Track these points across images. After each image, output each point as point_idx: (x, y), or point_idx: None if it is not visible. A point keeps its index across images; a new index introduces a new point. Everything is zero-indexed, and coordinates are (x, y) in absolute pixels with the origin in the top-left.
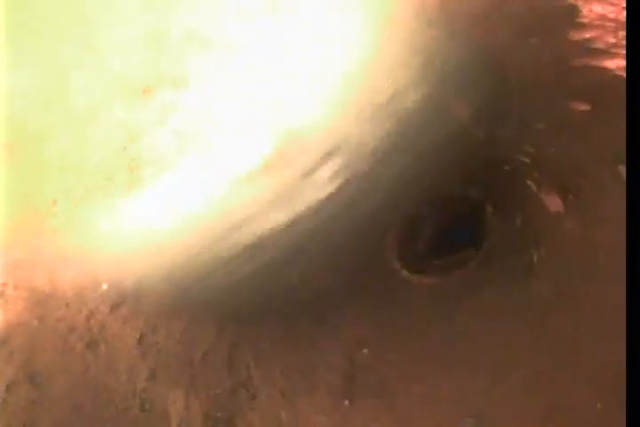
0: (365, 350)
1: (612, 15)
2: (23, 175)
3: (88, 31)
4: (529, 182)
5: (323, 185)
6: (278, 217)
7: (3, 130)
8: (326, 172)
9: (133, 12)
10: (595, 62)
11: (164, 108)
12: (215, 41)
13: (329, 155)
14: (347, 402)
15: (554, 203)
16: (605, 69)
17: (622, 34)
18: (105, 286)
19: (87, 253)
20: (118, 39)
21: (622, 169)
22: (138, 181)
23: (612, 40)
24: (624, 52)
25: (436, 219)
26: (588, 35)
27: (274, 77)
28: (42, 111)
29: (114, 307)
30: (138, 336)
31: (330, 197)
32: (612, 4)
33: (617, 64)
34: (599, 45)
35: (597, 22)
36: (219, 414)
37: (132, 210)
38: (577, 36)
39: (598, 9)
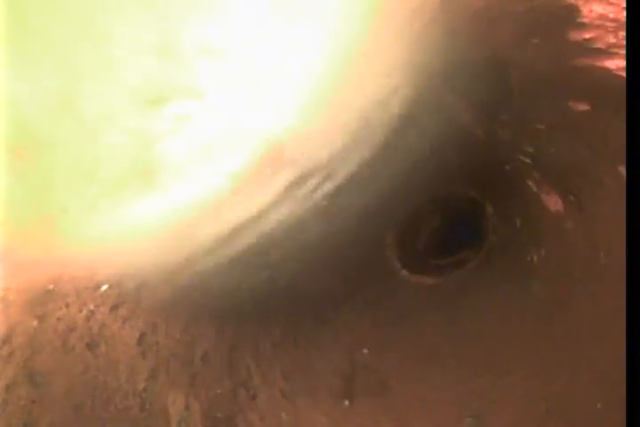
0: (365, 350)
1: (611, 15)
2: (34, 182)
3: (101, 40)
4: (529, 182)
5: (324, 186)
6: (279, 218)
7: (15, 137)
8: (327, 172)
9: (147, 21)
10: (595, 62)
11: (177, 117)
12: (228, 51)
13: (330, 155)
14: (347, 402)
15: (554, 203)
16: (605, 69)
17: (622, 34)
18: (105, 286)
19: (89, 254)
20: (131, 48)
21: (622, 169)
22: (150, 188)
23: (612, 40)
24: (624, 52)
25: (436, 219)
26: (587, 35)
27: (284, 85)
28: (54, 118)
29: (114, 307)
30: (138, 336)
31: (330, 198)
32: (612, 4)
33: (617, 64)
34: (599, 45)
35: (597, 22)
36: (219, 414)
37: (142, 215)
38: (577, 36)
39: (598, 9)
